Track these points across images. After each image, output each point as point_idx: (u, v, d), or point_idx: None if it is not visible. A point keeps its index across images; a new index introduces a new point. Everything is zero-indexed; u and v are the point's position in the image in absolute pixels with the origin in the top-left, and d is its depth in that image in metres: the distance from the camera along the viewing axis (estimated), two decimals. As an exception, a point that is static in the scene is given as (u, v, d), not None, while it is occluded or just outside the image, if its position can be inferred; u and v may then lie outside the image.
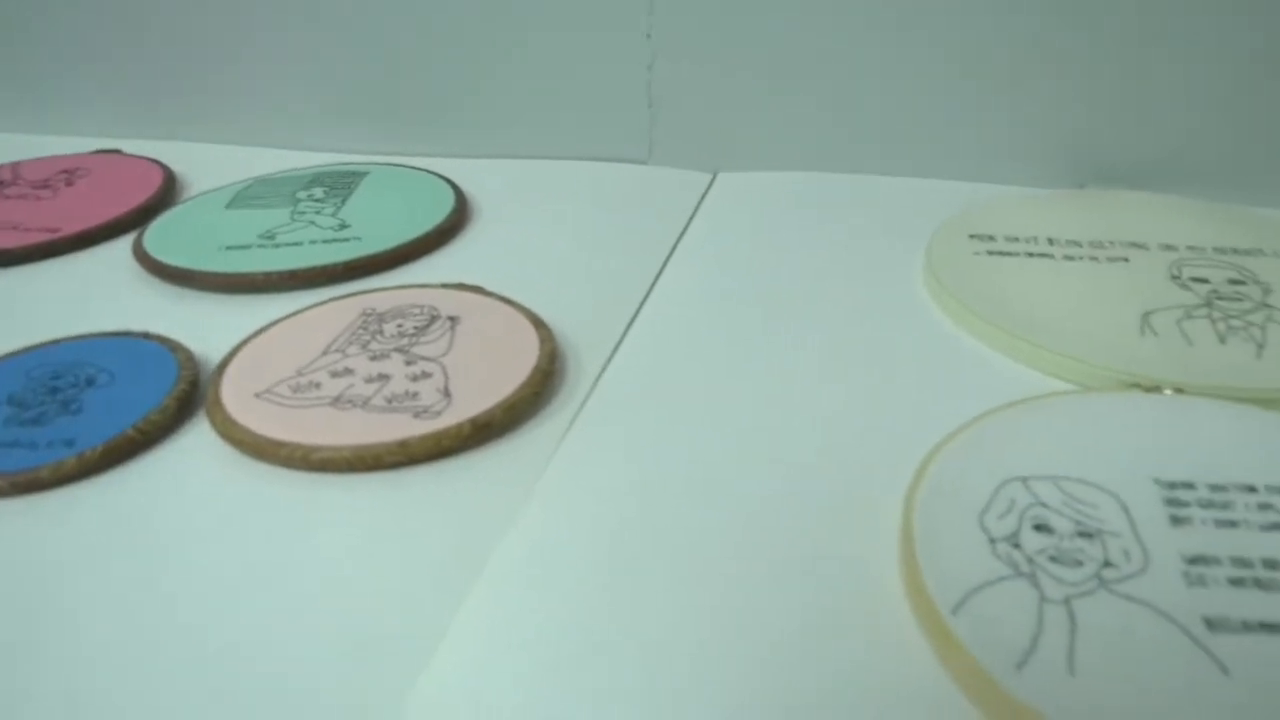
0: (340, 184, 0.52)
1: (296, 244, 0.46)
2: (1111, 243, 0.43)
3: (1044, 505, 0.28)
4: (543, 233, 0.48)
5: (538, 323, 0.39)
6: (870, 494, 0.30)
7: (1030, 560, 0.27)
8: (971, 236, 0.44)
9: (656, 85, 0.53)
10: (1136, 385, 0.34)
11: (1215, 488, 0.29)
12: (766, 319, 0.40)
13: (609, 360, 0.38)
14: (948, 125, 0.51)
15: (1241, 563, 0.27)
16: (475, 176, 0.54)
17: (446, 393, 0.35)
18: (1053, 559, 0.27)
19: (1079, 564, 0.27)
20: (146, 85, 0.61)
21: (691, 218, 0.49)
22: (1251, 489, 0.29)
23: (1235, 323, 0.37)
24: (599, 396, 0.36)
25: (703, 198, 0.51)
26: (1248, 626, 0.25)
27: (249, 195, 0.51)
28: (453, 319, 0.39)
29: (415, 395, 0.35)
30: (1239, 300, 0.39)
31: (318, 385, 0.36)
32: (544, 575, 0.28)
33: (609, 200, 0.51)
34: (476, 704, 0.25)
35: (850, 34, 0.50)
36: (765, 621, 0.27)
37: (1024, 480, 0.29)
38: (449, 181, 0.52)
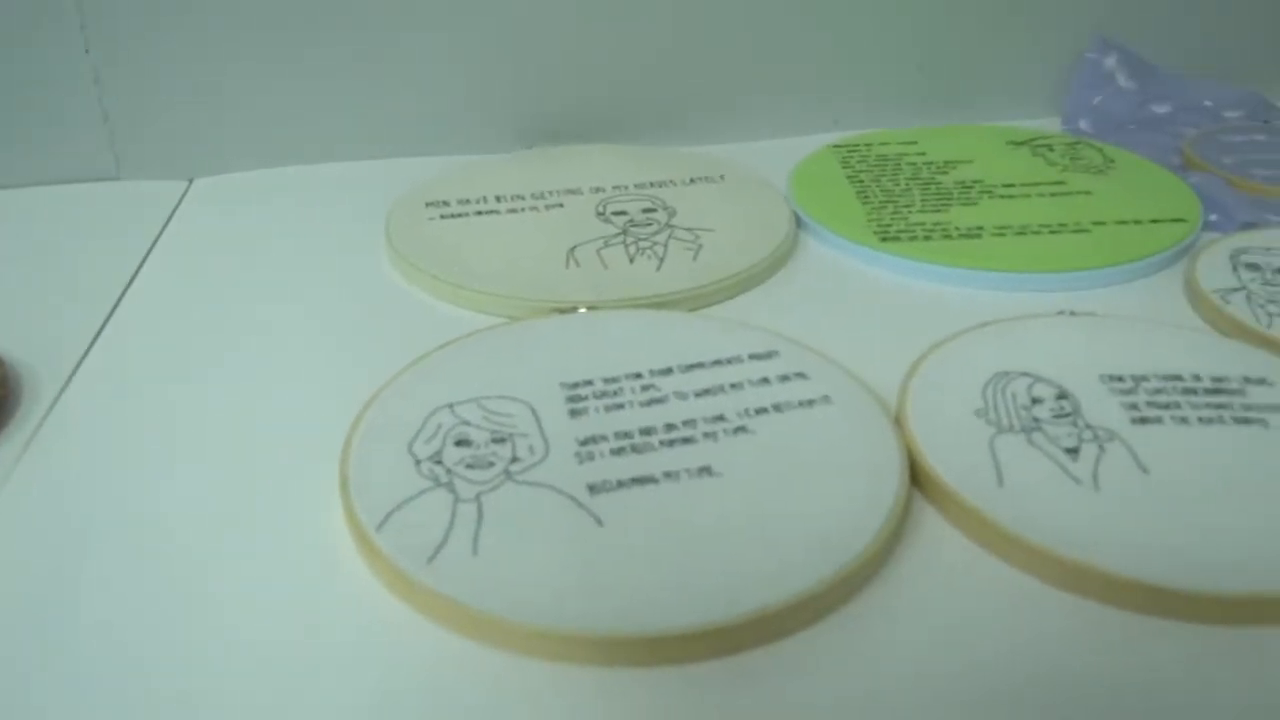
0: None
1: None
2: (551, 192, 0.49)
3: (466, 423, 0.32)
4: (-1, 265, 0.46)
5: (-15, 354, 0.38)
6: (323, 445, 0.33)
7: (449, 471, 0.30)
8: (428, 204, 0.47)
9: (108, 99, 0.52)
10: (556, 309, 0.39)
11: (609, 380, 0.35)
12: (235, 313, 0.41)
13: (69, 381, 0.38)
14: (406, 104, 0.54)
15: (623, 435, 0.32)
16: (-75, 217, 0.50)
17: (-122, 442, 0.33)
18: (469, 466, 0.31)
19: (491, 465, 0.31)
20: None
21: (164, 228, 0.49)
22: (639, 375, 0.35)
23: (644, 244, 0.44)
24: (58, 416, 0.36)
25: (176, 206, 0.51)
26: (621, 484, 0.30)
27: None
28: (-114, 367, 0.37)
29: None
30: (649, 225, 0.45)
31: None
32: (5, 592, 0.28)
33: (74, 222, 0.50)
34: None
35: (293, 24, 0.52)
36: (227, 576, 0.29)
37: (450, 406, 0.33)
38: (-115, 227, 0.48)
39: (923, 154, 0.52)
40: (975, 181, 0.49)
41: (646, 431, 0.32)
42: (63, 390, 0.37)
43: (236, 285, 0.44)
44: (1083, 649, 0.26)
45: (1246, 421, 0.33)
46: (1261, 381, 0.34)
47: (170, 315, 0.42)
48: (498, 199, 0.48)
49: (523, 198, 0.48)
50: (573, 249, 0.43)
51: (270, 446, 0.34)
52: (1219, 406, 0.33)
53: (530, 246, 0.44)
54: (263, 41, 0.52)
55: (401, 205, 0.48)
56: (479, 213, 0.47)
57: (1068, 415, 0.33)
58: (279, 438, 0.34)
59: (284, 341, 0.39)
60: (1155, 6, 0.58)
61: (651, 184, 0.49)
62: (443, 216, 0.46)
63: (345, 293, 0.43)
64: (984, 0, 0.56)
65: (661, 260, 0.43)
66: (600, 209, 0.47)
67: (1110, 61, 0.57)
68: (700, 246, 0.44)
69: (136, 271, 0.45)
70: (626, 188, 0.49)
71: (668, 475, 0.30)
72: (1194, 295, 0.41)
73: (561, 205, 0.47)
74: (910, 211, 0.46)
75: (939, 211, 0.46)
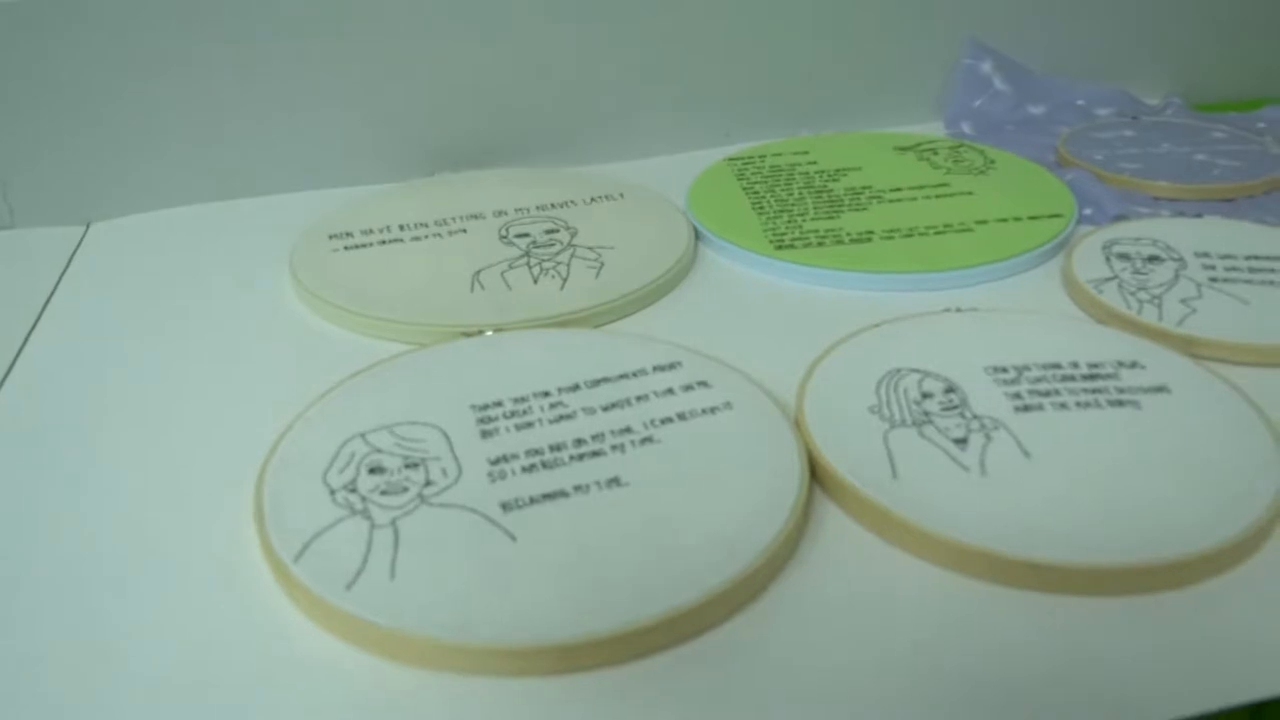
0: None
1: None
2: (454, 218, 0.49)
3: (378, 451, 0.33)
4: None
5: (-118, 411, 0.37)
6: (237, 480, 0.33)
7: (364, 499, 0.31)
8: (331, 236, 0.48)
9: (-2, 149, 0.51)
10: (463, 333, 0.40)
11: (518, 400, 0.35)
12: (140, 355, 0.41)
13: None
14: (304, 139, 0.54)
15: (534, 453, 0.33)
16: None
17: None
18: (384, 492, 0.31)
19: (405, 490, 0.31)
20: None
21: (62, 275, 0.48)
22: (547, 394, 0.36)
23: (547, 264, 0.45)
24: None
25: (74, 252, 0.50)
26: (533, 500, 0.31)
27: None
28: None
29: None
30: (551, 246, 0.46)
31: None
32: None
33: (-32, 273, 0.49)
34: None
35: (182, 62, 0.51)
36: (142, 613, 0.29)
37: (363, 435, 0.34)
38: None
39: (814, 163, 0.54)
40: (865, 187, 0.51)
41: (556, 447, 0.33)
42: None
43: (140, 328, 0.43)
44: (982, 628, 0.28)
45: (1120, 404, 0.35)
46: (1134, 365, 0.37)
47: (73, 361, 0.41)
48: (401, 228, 0.49)
49: (426, 225, 0.49)
50: (477, 273, 0.44)
51: (182, 485, 0.34)
52: (1095, 391, 0.35)
53: (434, 273, 0.44)
54: (153, 80, 0.52)
55: (305, 239, 0.48)
56: (382, 242, 0.47)
57: (956, 407, 0.35)
58: (191, 476, 0.34)
59: (191, 380, 0.40)
60: (1027, 13, 0.61)
61: (553, 205, 0.50)
62: (346, 248, 0.47)
63: (251, 329, 0.43)
64: (866, 13, 0.58)
65: (565, 280, 0.44)
66: (503, 232, 0.48)
67: (986, 66, 0.60)
68: (602, 264, 0.45)
69: (36, 320, 0.44)
70: (528, 210, 0.50)
71: (578, 488, 0.31)
72: (1070, 286, 0.43)
73: (465, 231, 0.48)
74: (804, 220, 0.48)
75: (831, 218, 0.48)
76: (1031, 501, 0.31)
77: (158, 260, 0.49)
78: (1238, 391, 0.35)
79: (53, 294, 0.47)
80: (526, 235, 0.47)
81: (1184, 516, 0.30)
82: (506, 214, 0.50)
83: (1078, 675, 0.26)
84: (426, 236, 0.48)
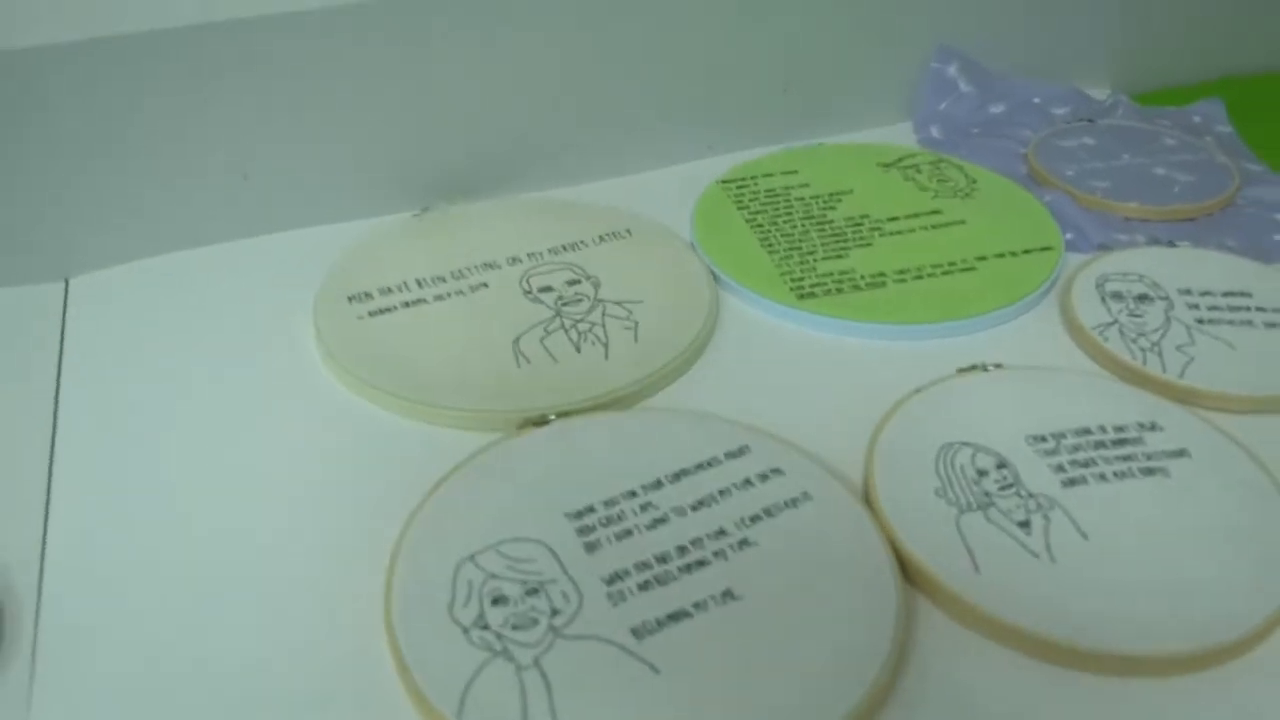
0: None
1: None
2: (470, 269, 0.49)
3: (494, 576, 0.34)
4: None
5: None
6: (348, 611, 0.34)
7: (499, 636, 0.32)
8: (350, 300, 0.47)
9: (-35, 207, 0.48)
10: (530, 421, 0.41)
11: (608, 503, 0.37)
12: (180, 439, 0.41)
13: (44, 544, 0.37)
14: (289, 175, 0.52)
15: (643, 566, 0.35)
16: None
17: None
18: (515, 626, 0.33)
19: (535, 622, 0.33)
20: None
21: (62, 346, 0.46)
22: (633, 494, 0.37)
23: (582, 326, 0.46)
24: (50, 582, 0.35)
25: (65, 315, 0.48)
26: (660, 623, 0.33)
27: None
28: None
29: None
30: (579, 301, 0.47)
31: None
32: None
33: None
34: None
35: (150, 105, 0.49)
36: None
37: (472, 558, 0.35)
38: None
39: (806, 185, 0.56)
40: (863, 217, 0.53)
41: (662, 559, 0.35)
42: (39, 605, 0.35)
43: (170, 399, 0.43)
44: (1073, 715, 0.32)
45: (1151, 472, 0.39)
46: (1153, 427, 0.40)
47: (115, 444, 0.41)
48: (419, 284, 0.48)
49: (443, 279, 0.48)
50: (516, 341, 0.45)
51: (284, 609, 0.35)
52: (1126, 459, 0.39)
53: (473, 344, 0.45)
54: (122, 127, 0.49)
55: (324, 302, 0.47)
56: (406, 304, 0.47)
57: (1011, 486, 0.38)
58: (291, 596, 0.35)
59: (251, 475, 0.40)
60: (984, 18, 0.63)
61: (564, 247, 0.51)
62: (370, 314, 0.46)
63: (293, 411, 0.43)
64: (838, 23, 0.59)
65: (606, 345, 0.44)
66: (525, 286, 0.48)
67: (952, 69, 0.62)
68: (636, 323, 0.46)
69: (55, 411, 0.43)
70: (541, 255, 0.50)
71: (697, 606, 0.33)
72: (1074, 331, 0.46)
73: (486, 285, 0.48)
74: (815, 260, 0.50)
75: (840, 257, 0.50)
76: (1099, 588, 0.34)
77: (159, 320, 0.48)
78: (1244, 449, 0.40)
79: (60, 373, 0.45)
80: (550, 289, 0.48)
81: (1229, 593, 0.34)
82: (521, 260, 0.50)
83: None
84: (449, 295, 0.47)
